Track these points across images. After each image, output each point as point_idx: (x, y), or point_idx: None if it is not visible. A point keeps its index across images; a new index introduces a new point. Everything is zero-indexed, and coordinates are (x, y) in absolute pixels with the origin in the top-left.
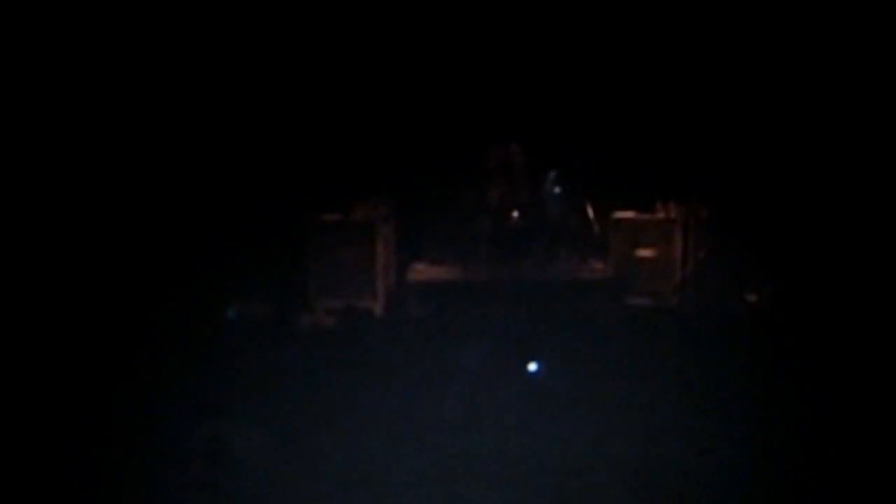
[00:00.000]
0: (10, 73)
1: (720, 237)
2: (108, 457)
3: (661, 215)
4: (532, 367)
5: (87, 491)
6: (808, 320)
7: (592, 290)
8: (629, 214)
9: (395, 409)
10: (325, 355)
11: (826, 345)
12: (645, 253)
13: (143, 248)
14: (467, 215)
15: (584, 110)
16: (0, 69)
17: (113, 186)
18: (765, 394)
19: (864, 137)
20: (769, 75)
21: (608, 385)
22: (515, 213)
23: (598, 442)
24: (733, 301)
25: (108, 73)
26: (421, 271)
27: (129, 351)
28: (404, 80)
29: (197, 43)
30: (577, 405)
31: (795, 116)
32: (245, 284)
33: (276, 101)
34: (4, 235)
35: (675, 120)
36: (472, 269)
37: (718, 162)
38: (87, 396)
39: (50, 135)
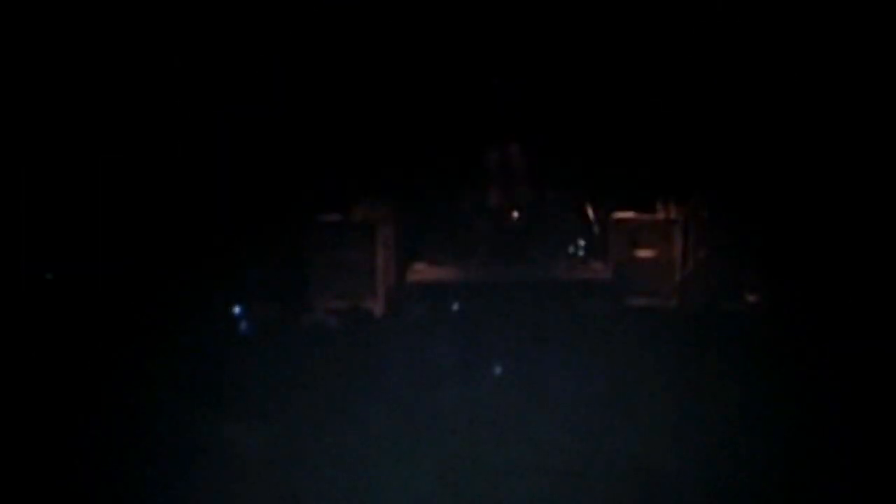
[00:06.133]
0: (14, 74)
1: (720, 237)
2: (113, 454)
3: (661, 215)
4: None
5: (93, 487)
6: (808, 320)
7: (592, 290)
8: (629, 214)
9: (396, 409)
10: (325, 355)
11: (826, 344)
12: (645, 253)
13: (142, 249)
14: (467, 216)
15: (583, 111)
16: (3, 70)
17: (119, 192)
18: (765, 393)
19: (862, 139)
20: (769, 77)
21: (608, 384)
22: (515, 214)
23: (597, 441)
24: (733, 301)
25: (113, 80)
26: (421, 271)
27: (130, 353)
28: (404, 81)
29: (199, 49)
30: (576, 404)
31: (794, 118)
32: (247, 285)
33: (277, 104)
34: (14, 236)
35: (675, 121)
36: (472, 269)
37: (718, 162)
38: (93, 395)
39: (61, 142)
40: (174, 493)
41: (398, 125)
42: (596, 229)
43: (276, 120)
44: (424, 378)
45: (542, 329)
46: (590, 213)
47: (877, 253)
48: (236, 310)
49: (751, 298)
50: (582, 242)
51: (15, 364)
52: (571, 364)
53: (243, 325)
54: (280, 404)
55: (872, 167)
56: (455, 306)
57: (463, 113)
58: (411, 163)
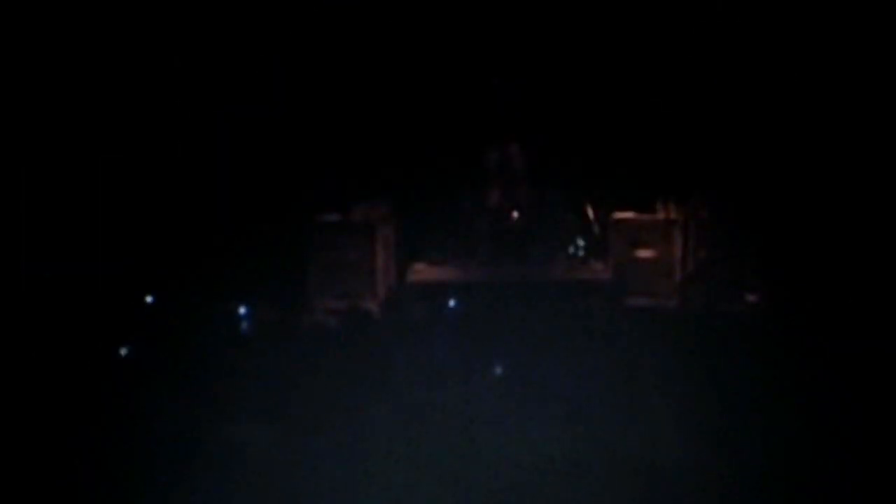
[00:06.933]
0: (15, 74)
1: (720, 237)
2: (113, 453)
3: (661, 215)
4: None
5: (93, 485)
6: (808, 320)
7: (592, 290)
8: (629, 214)
9: (395, 410)
10: (324, 356)
11: (825, 344)
12: (645, 253)
13: (142, 249)
14: (467, 216)
15: (584, 111)
16: (3, 70)
17: (119, 192)
18: (764, 392)
19: (861, 140)
20: (769, 79)
21: (608, 384)
22: (515, 214)
23: (598, 440)
24: (733, 301)
25: (114, 81)
26: (421, 271)
27: (130, 352)
28: (404, 82)
29: (200, 50)
30: (576, 405)
31: (794, 120)
32: (248, 286)
33: (278, 105)
34: (14, 236)
35: (676, 121)
36: (472, 269)
37: (718, 163)
38: (94, 393)
39: (61, 142)
40: (174, 492)
41: (398, 125)
42: (596, 229)
43: (277, 120)
44: (424, 378)
45: (543, 329)
46: (590, 213)
47: (876, 253)
48: (241, 310)
49: (751, 298)
50: (582, 242)
51: (15, 363)
52: (572, 365)
53: (244, 326)
54: (279, 404)
55: (872, 168)
56: (454, 306)
57: (463, 113)
58: (411, 163)
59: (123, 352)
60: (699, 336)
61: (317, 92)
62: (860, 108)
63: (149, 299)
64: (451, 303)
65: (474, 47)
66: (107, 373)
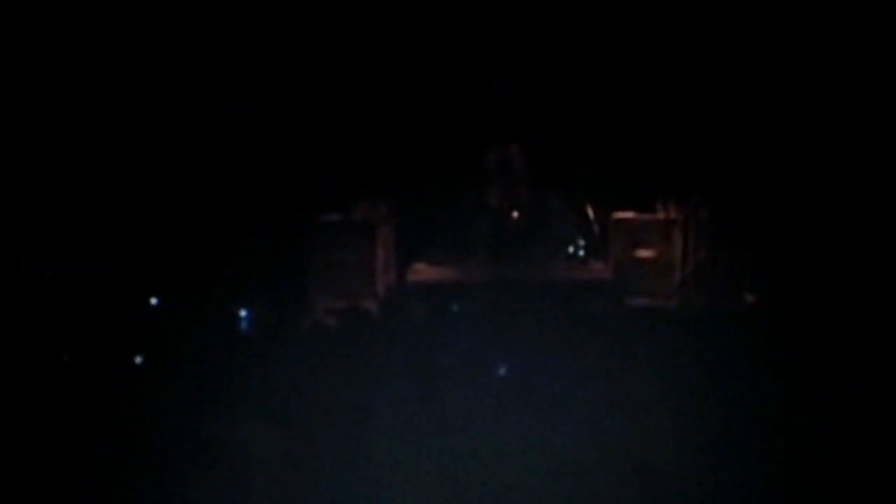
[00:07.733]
0: (15, 74)
1: (720, 237)
2: (112, 452)
3: (661, 215)
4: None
5: (92, 485)
6: (808, 320)
7: (592, 290)
8: (629, 214)
9: (395, 408)
10: (324, 355)
11: (824, 344)
12: (645, 253)
13: (142, 249)
14: (467, 216)
15: (584, 112)
16: (3, 70)
17: (120, 192)
18: (764, 392)
19: (861, 141)
20: (768, 79)
21: (609, 385)
22: (515, 214)
23: (598, 440)
24: (733, 301)
25: (114, 81)
26: (421, 271)
27: (129, 352)
28: (404, 82)
29: (200, 50)
30: (577, 405)
31: (794, 120)
32: (248, 286)
33: (278, 105)
34: (14, 236)
35: (676, 122)
36: (472, 269)
37: (718, 163)
38: (93, 393)
39: (61, 142)
40: (174, 491)
41: (398, 126)
42: (596, 229)
43: (277, 121)
44: (425, 378)
45: (543, 330)
46: (590, 213)
47: (876, 253)
48: (241, 310)
49: (750, 298)
50: (582, 242)
51: (15, 363)
52: (572, 365)
53: (243, 325)
54: (278, 404)
55: (872, 169)
56: (454, 306)
57: (463, 113)
58: (411, 163)
59: (138, 360)
60: (699, 336)
61: (317, 92)
62: (860, 109)
63: (154, 301)
64: (451, 302)
65: (474, 47)
66: (107, 372)
